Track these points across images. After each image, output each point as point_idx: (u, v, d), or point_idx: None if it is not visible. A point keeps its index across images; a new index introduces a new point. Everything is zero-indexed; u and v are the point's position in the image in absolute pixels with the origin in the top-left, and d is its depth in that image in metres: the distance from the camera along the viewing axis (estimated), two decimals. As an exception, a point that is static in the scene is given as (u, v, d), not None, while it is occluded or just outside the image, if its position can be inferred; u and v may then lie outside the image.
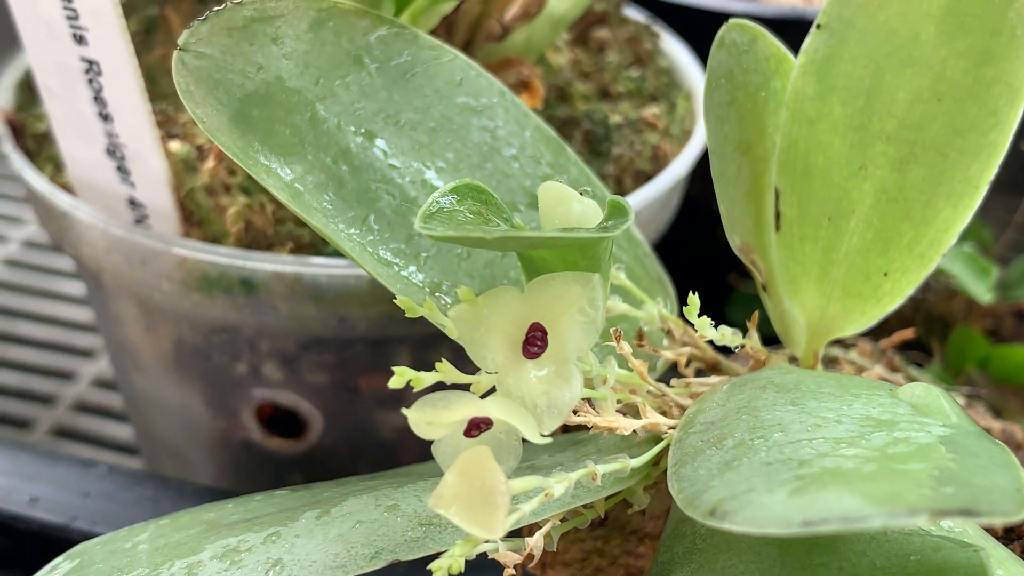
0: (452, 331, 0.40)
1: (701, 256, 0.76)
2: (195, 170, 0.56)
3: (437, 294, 0.44)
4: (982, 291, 0.66)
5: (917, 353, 0.69)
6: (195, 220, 0.56)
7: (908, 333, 0.61)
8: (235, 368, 0.59)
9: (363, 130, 0.46)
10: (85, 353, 0.88)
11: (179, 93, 0.42)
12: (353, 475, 0.48)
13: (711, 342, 0.47)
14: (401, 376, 0.37)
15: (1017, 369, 0.67)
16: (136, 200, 0.56)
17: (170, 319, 0.59)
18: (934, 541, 0.37)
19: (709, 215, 0.83)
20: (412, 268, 0.45)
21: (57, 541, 0.52)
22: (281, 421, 0.61)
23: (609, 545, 0.48)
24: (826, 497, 0.32)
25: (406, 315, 0.41)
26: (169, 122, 0.57)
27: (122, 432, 0.81)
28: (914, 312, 0.73)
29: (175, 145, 0.56)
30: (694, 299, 0.43)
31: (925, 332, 0.72)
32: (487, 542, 0.38)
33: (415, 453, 0.61)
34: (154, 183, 0.55)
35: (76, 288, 0.93)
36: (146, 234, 0.54)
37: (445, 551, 0.37)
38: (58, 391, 0.84)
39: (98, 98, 0.53)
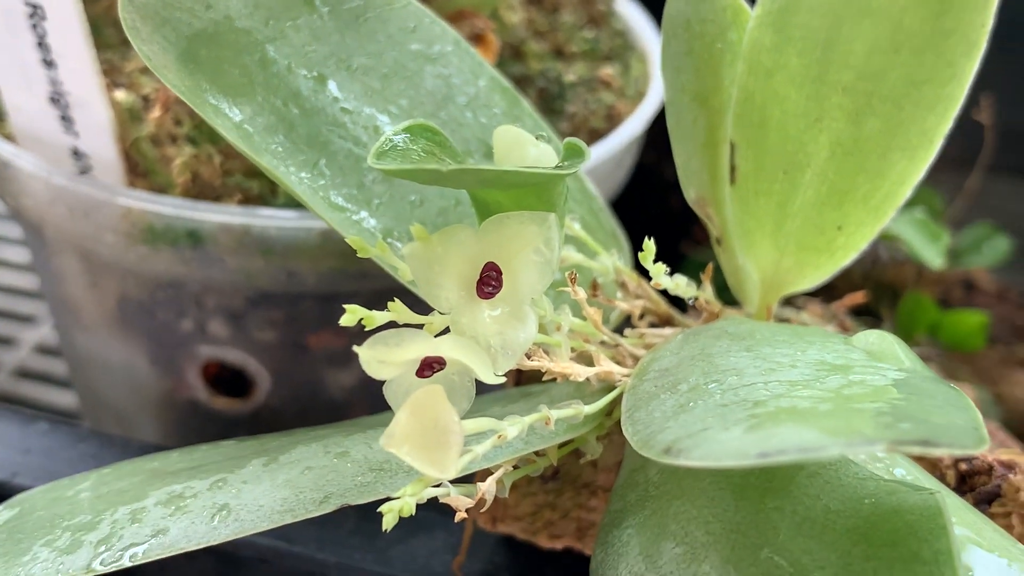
0: (404, 273, 0.40)
1: (653, 224, 0.76)
2: (140, 120, 0.54)
3: (389, 240, 0.44)
4: (933, 256, 0.66)
5: (867, 319, 0.69)
6: (140, 171, 0.55)
7: (859, 296, 0.61)
8: (181, 325, 0.58)
9: (314, 73, 0.45)
10: (26, 319, 0.86)
11: (125, 30, 0.41)
12: (301, 430, 0.47)
13: (665, 294, 0.47)
14: (353, 314, 0.36)
15: (967, 335, 0.68)
16: (79, 150, 0.55)
17: (114, 274, 0.58)
18: (889, 485, 0.37)
19: (662, 182, 0.83)
20: (364, 214, 0.44)
21: (-3, 497, 0.50)
22: (227, 380, 0.60)
23: (561, 499, 0.48)
24: (782, 431, 0.31)
25: (357, 258, 0.41)
26: (114, 71, 0.56)
27: (64, 399, 0.80)
28: (864, 279, 0.74)
29: (120, 94, 0.55)
30: (650, 245, 0.43)
31: (875, 299, 0.72)
32: (438, 486, 0.37)
33: (364, 413, 0.60)
34: (98, 132, 0.54)
35: (15, 254, 0.91)
36: (90, 183, 0.53)
37: (395, 496, 0.36)
38: (-2, 357, 0.83)
39: (42, 44, 0.52)
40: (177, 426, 0.63)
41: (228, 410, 0.61)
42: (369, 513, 0.52)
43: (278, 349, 0.58)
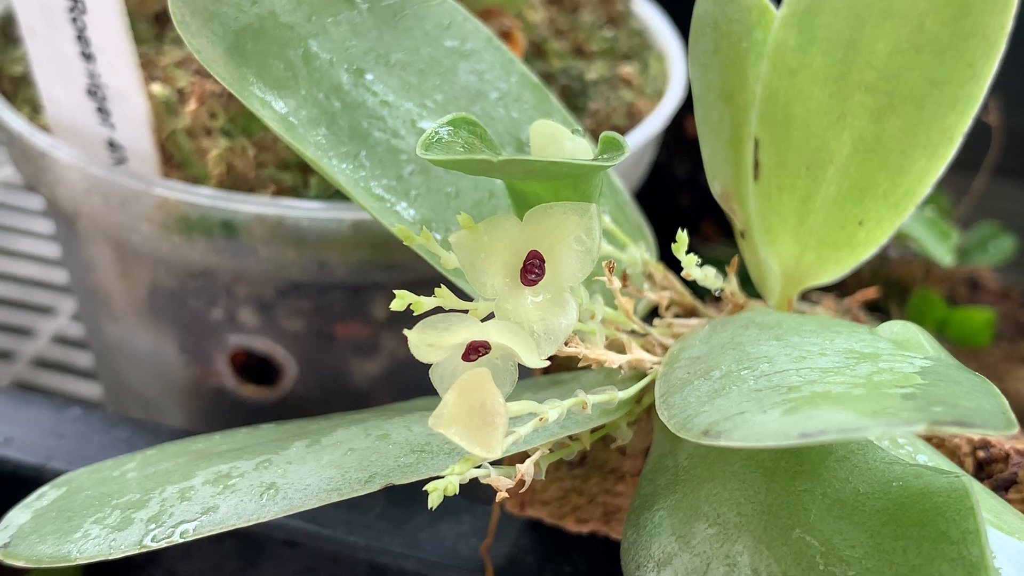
0: (447, 262, 0.41)
1: (664, 221, 0.77)
2: (176, 113, 0.56)
3: (427, 230, 0.45)
4: (943, 253, 0.67)
5: (877, 315, 0.70)
6: (175, 163, 0.56)
7: (871, 292, 0.63)
8: (211, 314, 0.59)
9: (354, 68, 0.46)
10: (44, 310, 0.87)
11: (175, 24, 0.42)
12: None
13: (691, 285, 0.48)
14: (402, 299, 0.38)
15: (974, 332, 0.69)
16: (115, 142, 0.56)
17: (147, 263, 0.59)
18: (915, 469, 0.38)
19: (672, 181, 0.84)
20: (403, 204, 0.45)
21: (32, 480, 0.51)
22: (255, 368, 0.62)
23: (588, 484, 0.49)
24: (820, 413, 0.33)
25: (386, 249, 0.42)
26: (150, 65, 0.57)
27: (83, 388, 0.81)
28: (873, 277, 0.75)
29: (156, 88, 0.56)
30: (683, 236, 0.44)
31: (884, 295, 0.74)
32: (479, 467, 0.39)
33: (388, 401, 0.61)
34: (135, 125, 0.55)
35: (32, 246, 0.92)
36: (127, 174, 0.54)
37: (437, 476, 0.38)
38: (17, 347, 0.84)
39: (81, 37, 0.53)
40: (203, 413, 0.64)
41: (255, 398, 0.62)
42: (397, 497, 0.54)
43: (306, 338, 0.59)
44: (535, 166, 0.38)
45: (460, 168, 0.39)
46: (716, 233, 0.84)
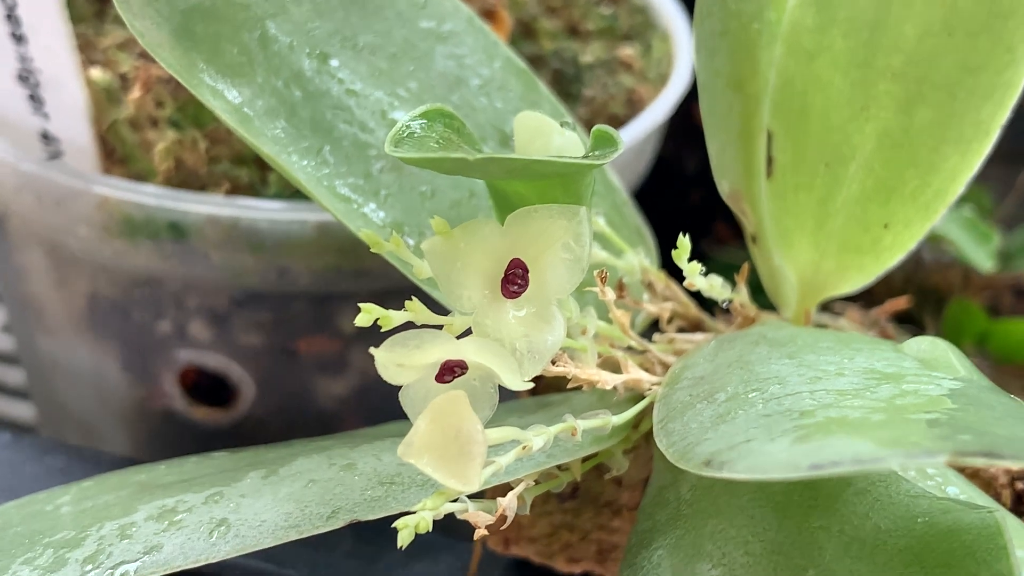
0: (420, 271, 0.41)
1: (672, 221, 0.78)
2: (118, 101, 0.56)
3: (399, 235, 0.45)
4: (982, 258, 0.68)
5: (909, 327, 0.71)
6: (117, 157, 0.56)
7: (901, 302, 0.63)
8: (157, 327, 0.60)
9: (318, 52, 0.47)
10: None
11: (115, 2, 0.43)
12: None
13: (695, 296, 0.49)
14: (368, 313, 0.38)
15: (1019, 346, 0.70)
16: (50, 134, 0.56)
17: (85, 270, 0.59)
18: (943, 503, 0.39)
19: (681, 175, 0.85)
20: (372, 205, 0.46)
21: (-44, 515, 0.52)
22: (207, 388, 0.62)
23: (580, 519, 0.50)
24: (834, 442, 0.33)
25: (355, 255, 0.42)
26: (89, 47, 0.58)
27: (13, 410, 0.81)
28: (905, 284, 0.75)
29: (96, 73, 0.56)
30: (684, 242, 0.45)
31: (918, 305, 0.74)
32: (456, 501, 0.39)
33: (357, 426, 0.62)
34: (72, 114, 0.55)
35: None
36: (63, 170, 0.55)
37: (409, 511, 0.38)
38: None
39: (11, 16, 0.53)
40: (150, 438, 0.64)
41: (207, 421, 0.62)
42: (367, 533, 0.54)
43: (265, 354, 0.60)
44: (517, 165, 0.38)
45: (433, 167, 0.39)
46: (731, 234, 0.85)
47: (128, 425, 0.64)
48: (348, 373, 0.61)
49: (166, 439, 0.64)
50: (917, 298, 0.74)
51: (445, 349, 0.37)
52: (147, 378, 0.62)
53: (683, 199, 0.87)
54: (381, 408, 0.57)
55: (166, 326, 0.59)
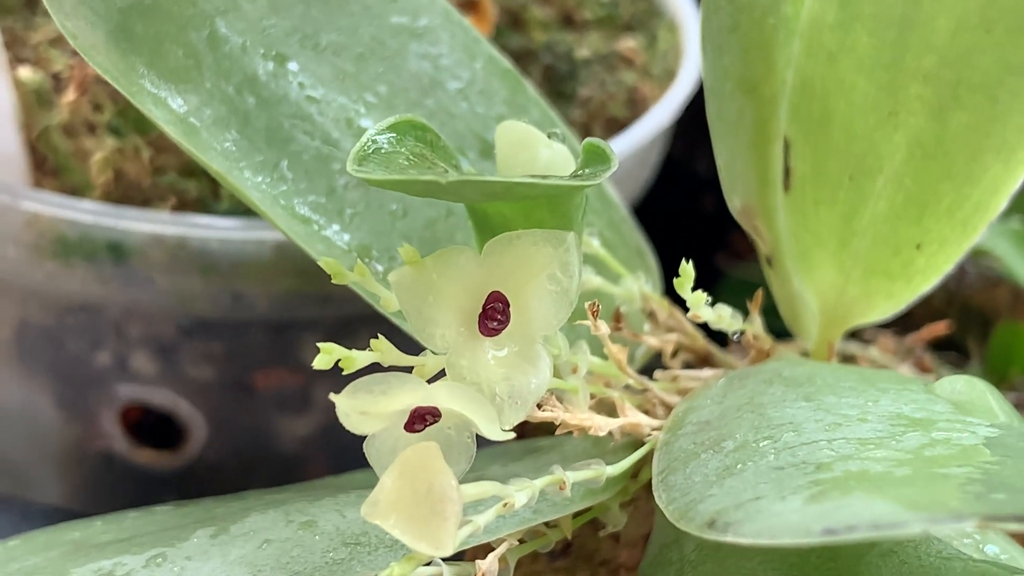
0: (388, 303, 0.42)
1: (682, 231, 0.78)
2: (51, 104, 0.56)
3: (366, 260, 0.46)
4: (1033, 276, 0.68)
5: (951, 354, 0.71)
6: (50, 168, 0.57)
7: (941, 327, 0.63)
8: (96, 359, 0.60)
9: (274, 53, 0.47)
10: None
11: (45, 1, 0.43)
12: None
13: (703, 327, 0.49)
14: (328, 354, 0.38)
15: (1075, 375, 0.70)
16: (-28, 141, 0.57)
17: (13, 295, 0.59)
18: (979, 567, 0.39)
19: (693, 181, 0.85)
20: (335, 227, 0.46)
21: None
22: (153, 428, 0.62)
23: (573, 580, 0.50)
24: (852, 503, 0.34)
25: (318, 279, 0.43)
26: (17, 43, 0.58)
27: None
28: (947, 305, 0.76)
29: (25, 72, 0.57)
30: (688, 269, 0.45)
31: (961, 329, 0.74)
32: (429, 564, 0.39)
33: (323, 470, 0.62)
34: (-3, 119, 0.56)
35: None
36: (-13, 184, 0.55)
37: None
38: None
39: (-72, 9, 0.54)
40: (87, 485, 0.65)
41: (153, 465, 0.63)
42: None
43: (217, 390, 0.60)
44: (496, 188, 0.39)
45: (402, 189, 0.40)
46: (750, 247, 0.85)
47: (62, 470, 0.64)
48: (312, 411, 0.61)
49: (106, 486, 0.64)
50: (960, 321, 0.75)
51: (415, 395, 0.38)
52: (84, 417, 0.62)
53: (694, 206, 0.87)
54: (350, 450, 0.57)
55: (105, 358, 0.60)
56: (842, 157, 0.49)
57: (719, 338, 0.52)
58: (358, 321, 0.56)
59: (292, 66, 0.47)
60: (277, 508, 0.44)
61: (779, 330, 0.54)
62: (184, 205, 0.56)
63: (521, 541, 0.43)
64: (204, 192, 0.56)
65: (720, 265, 0.83)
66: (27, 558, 0.44)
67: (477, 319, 0.40)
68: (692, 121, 0.76)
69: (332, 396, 0.37)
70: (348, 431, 0.61)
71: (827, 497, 0.34)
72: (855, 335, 0.62)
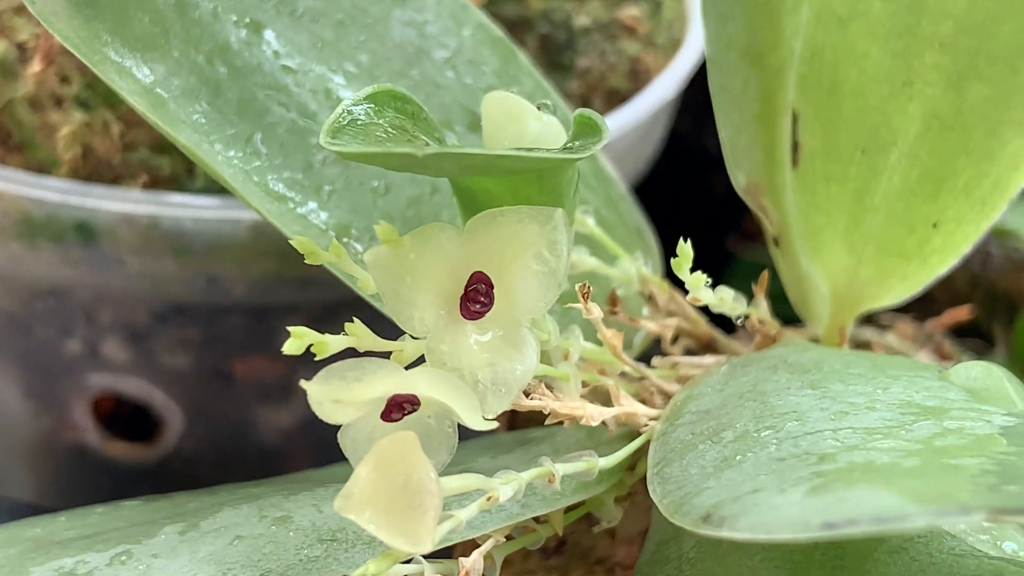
0: (366, 284, 0.41)
1: (691, 213, 0.78)
2: (15, 76, 0.56)
3: (345, 240, 0.46)
4: (1061, 259, 0.68)
5: (975, 341, 0.71)
6: (13, 143, 0.56)
7: (963, 312, 0.63)
8: (65, 347, 0.60)
9: (247, 20, 0.47)
10: None
11: (1, -37, 0.43)
12: (226, 485, 0.49)
13: (706, 311, 0.49)
14: (299, 339, 0.38)
15: (1105, 363, 0.69)
16: (-67, 116, 0.56)
17: (-23, 279, 0.59)
18: (994, 564, 0.39)
19: (702, 157, 0.85)
20: (312, 204, 0.46)
21: None
22: (127, 419, 0.62)
23: (567, 579, 0.50)
24: (855, 495, 0.33)
25: (299, 261, 0.42)
26: (-21, 11, 0.58)
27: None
28: (970, 288, 0.75)
29: (-12, 42, 0.56)
30: (685, 248, 0.45)
31: (985, 314, 0.74)
32: (409, 561, 0.39)
33: (306, 464, 0.62)
34: (-41, 92, 0.55)
35: None
36: (-52, 161, 0.55)
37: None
38: None
39: None
40: (57, 479, 0.64)
41: (126, 458, 0.63)
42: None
43: (193, 378, 0.60)
44: (477, 161, 0.38)
45: (376, 162, 0.39)
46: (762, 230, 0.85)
47: (31, 464, 0.64)
48: (294, 401, 0.61)
49: (77, 481, 0.64)
50: (984, 306, 0.74)
51: (392, 382, 0.37)
52: (53, 407, 0.62)
53: (704, 185, 0.87)
54: (334, 442, 0.57)
55: (75, 345, 0.60)
56: (853, 130, 0.49)
57: (725, 325, 0.52)
58: (341, 306, 0.55)
59: (267, 34, 0.47)
60: (251, 503, 0.44)
61: (788, 316, 0.54)
62: (156, 183, 0.56)
63: (509, 538, 0.43)
64: (177, 169, 0.56)
65: (731, 248, 0.83)
66: (-15, 556, 0.44)
67: (459, 301, 0.39)
68: (700, 95, 0.75)
69: (303, 383, 0.37)
70: (331, 425, 0.62)
71: (829, 489, 0.34)
72: (871, 320, 0.61)
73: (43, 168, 0.56)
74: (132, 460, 0.63)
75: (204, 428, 0.62)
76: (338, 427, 0.40)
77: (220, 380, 0.60)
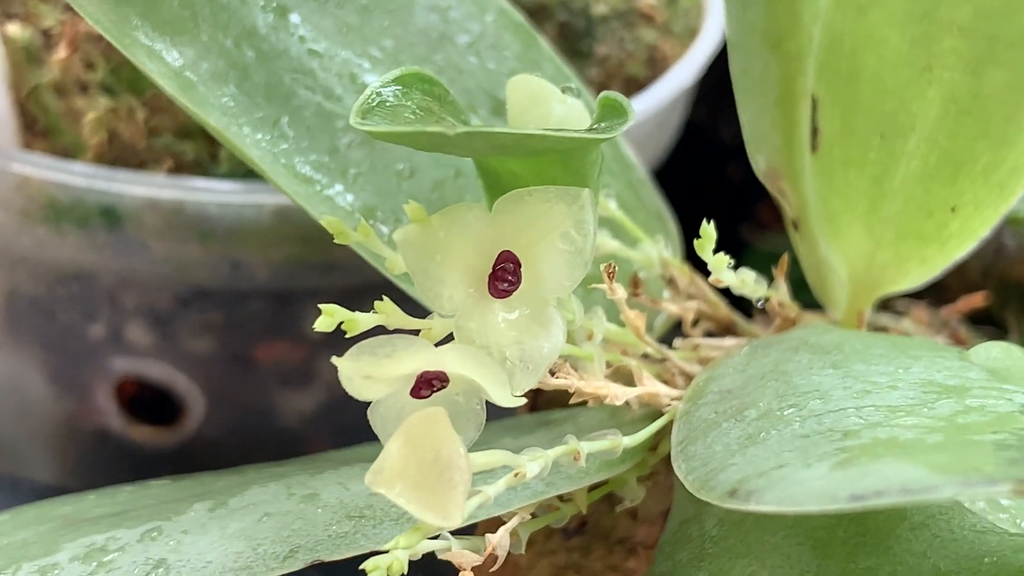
0: (394, 265, 0.42)
1: (705, 201, 0.78)
2: (41, 62, 0.57)
3: (371, 222, 0.46)
4: (1075, 246, 0.68)
5: (988, 328, 0.71)
6: (39, 129, 0.57)
7: (978, 299, 0.63)
8: (89, 330, 0.60)
9: (274, 5, 0.47)
10: None
11: (32, -52, 0.44)
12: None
13: (725, 293, 0.49)
14: (330, 317, 0.39)
15: (1118, 351, 0.70)
16: (-41, 101, 0.57)
17: (1, 264, 0.60)
18: (1015, 540, 0.39)
19: (716, 147, 0.85)
20: (338, 187, 0.46)
21: None
22: (149, 403, 0.63)
23: (588, 559, 0.50)
24: (880, 468, 0.34)
25: (321, 246, 0.43)
26: (6, -2, 0.58)
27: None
28: (984, 276, 0.76)
29: (13, 28, 0.57)
30: (708, 229, 0.45)
31: (999, 303, 0.74)
32: (436, 537, 0.40)
33: (325, 447, 0.62)
34: (-15, 78, 0.56)
35: None
36: (-26, 145, 0.55)
37: (381, 551, 0.39)
38: None
39: (-88, -39, 0.54)
40: (80, 463, 0.65)
41: (149, 442, 0.63)
42: (334, 574, 0.55)
43: (216, 363, 0.60)
44: (506, 140, 0.39)
45: (408, 143, 0.40)
46: (777, 218, 0.85)
47: (54, 447, 0.65)
48: (314, 385, 0.61)
49: (99, 464, 0.64)
50: (997, 294, 0.74)
51: (422, 358, 0.38)
52: (77, 391, 0.62)
53: (719, 175, 0.87)
54: (354, 427, 0.57)
55: (99, 330, 0.60)
56: (872, 115, 0.49)
57: (742, 309, 0.52)
58: (363, 290, 0.55)
59: (293, 18, 0.48)
60: (278, 481, 0.44)
61: (806, 300, 0.54)
62: (181, 168, 0.56)
63: (533, 516, 0.43)
64: (201, 154, 0.56)
65: (745, 237, 0.83)
66: (16, 533, 0.45)
67: (487, 280, 0.40)
68: (716, 85, 0.76)
69: (335, 359, 0.38)
70: (351, 408, 0.62)
71: (854, 463, 0.34)
72: (886, 305, 0.62)
73: (69, 153, 0.56)
74: (154, 443, 0.63)
75: (225, 412, 0.62)
76: (356, 412, 0.40)
77: (242, 364, 0.60)
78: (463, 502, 0.37)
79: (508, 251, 0.40)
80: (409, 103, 0.40)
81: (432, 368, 0.38)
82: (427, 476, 0.37)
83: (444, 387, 0.39)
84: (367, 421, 0.41)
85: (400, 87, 0.41)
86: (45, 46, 0.57)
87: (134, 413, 0.63)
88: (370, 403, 0.40)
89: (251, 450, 0.63)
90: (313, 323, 0.59)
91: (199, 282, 0.57)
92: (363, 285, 0.51)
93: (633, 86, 0.63)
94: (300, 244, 0.55)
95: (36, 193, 0.55)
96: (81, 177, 0.54)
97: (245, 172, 0.56)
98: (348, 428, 0.61)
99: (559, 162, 0.42)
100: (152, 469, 0.63)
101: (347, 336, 0.39)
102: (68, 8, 0.58)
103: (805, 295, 0.54)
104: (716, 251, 0.46)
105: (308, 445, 0.63)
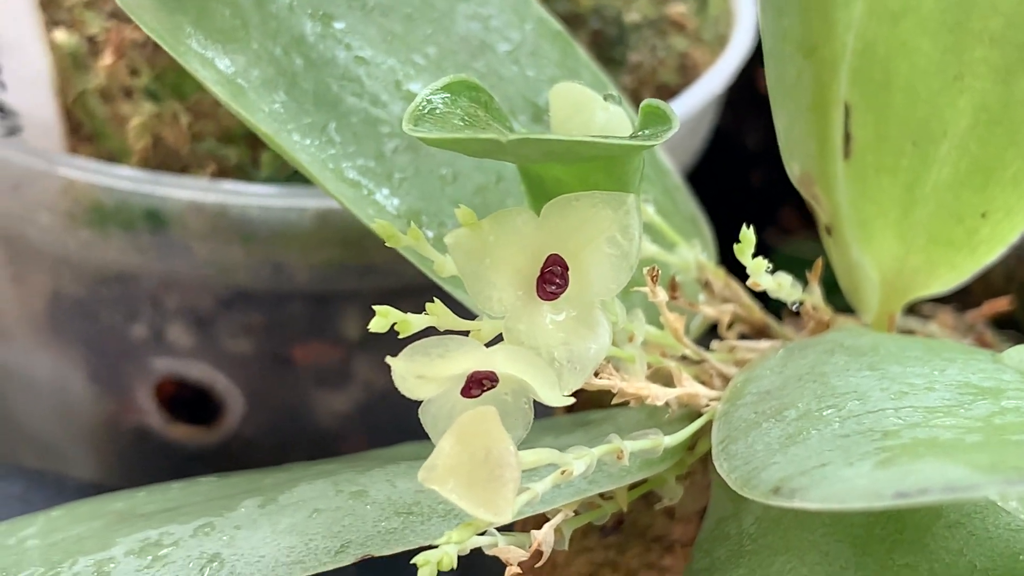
0: (442, 267, 0.43)
1: (730, 207, 0.79)
2: (86, 68, 0.57)
3: (415, 226, 0.47)
4: (1098, 251, 0.68)
5: (1012, 332, 0.71)
6: (86, 134, 0.57)
7: (1003, 303, 0.64)
8: (131, 331, 0.61)
9: (321, 13, 0.48)
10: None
11: (89, -43, 0.44)
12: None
13: (761, 297, 0.50)
14: (384, 317, 0.39)
15: None
16: (7, 107, 0.57)
17: (46, 265, 0.60)
18: (1051, 538, 0.40)
19: (742, 154, 0.86)
20: (384, 191, 0.47)
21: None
22: (188, 402, 0.63)
23: (625, 556, 0.51)
24: (922, 467, 0.34)
25: (361, 249, 0.43)
26: (52, 5, 0.59)
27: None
28: (1007, 282, 0.76)
29: (61, 35, 0.57)
30: (748, 234, 0.46)
31: (1021, 308, 0.75)
32: (483, 534, 0.40)
33: (360, 447, 0.63)
34: (32, 83, 0.56)
35: None
36: (21, 149, 0.56)
37: (429, 546, 0.39)
38: None
39: (-38, -31, 0.55)
40: (120, 461, 0.65)
41: (188, 441, 0.64)
42: (378, 569, 0.55)
43: (255, 363, 0.61)
44: (557, 147, 0.40)
45: (460, 148, 0.40)
46: (799, 223, 0.86)
47: (95, 446, 0.65)
48: (351, 386, 0.62)
49: (140, 462, 0.65)
50: (1020, 300, 0.75)
51: (473, 359, 0.39)
52: (118, 391, 0.63)
53: (743, 180, 0.88)
54: (389, 427, 0.59)
55: (141, 330, 0.61)
56: (905, 122, 0.50)
57: (774, 310, 0.53)
58: (401, 293, 0.56)
59: (339, 26, 0.48)
60: (326, 479, 0.45)
61: (838, 304, 0.54)
62: (223, 172, 0.57)
63: (576, 513, 0.44)
64: (244, 159, 0.57)
65: (769, 241, 0.84)
66: (71, 528, 0.45)
67: (535, 283, 0.40)
68: (741, 92, 0.77)
69: (389, 359, 0.38)
70: (386, 408, 0.63)
71: (896, 463, 0.35)
72: (913, 310, 0.62)
73: (114, 157, 0.57)
74: (193, 443, 0.64)
75: (263, 412, 0.63)
76: (391, 412, 0.41)
77: (280, 365, 0.61)
78: (513, 499, 0.37)
79: (556, 255, 0.40)
80: (457, 110, 0.41)
81: (483, 368, 0.39)
82: (478, 473, 0.37)
83: (494, 387, 0.40)
84: (400, 421, 0.42)
85: (448, 94, 0.41)
86: (91, 53, 0.58)
87: (174, 413, 0.63)
88: (408, 405, 0.40)
89: (288, 450, 0.64)
90: (351, 325, 0.60)
91: (240, 284, 0.58)
92: (401, 287, 0.52)
93: (665, 93, 0.64)
94: (340, 247, 0.56)
95: (82, 196, 0.56)
96: (126, 181, 0.55)
97: (286, 176, 0.57)
98: (382, 428, 0.62)
99: (602, 168, 0.42)
100: (191, 467, 0.64)
101: (399, 337, 0.40)
102: (113, 15, 0.59)
103: (837, 299, 0.54)
104: (738, 262, 0.47)
105: (343, 444, 0.64)
